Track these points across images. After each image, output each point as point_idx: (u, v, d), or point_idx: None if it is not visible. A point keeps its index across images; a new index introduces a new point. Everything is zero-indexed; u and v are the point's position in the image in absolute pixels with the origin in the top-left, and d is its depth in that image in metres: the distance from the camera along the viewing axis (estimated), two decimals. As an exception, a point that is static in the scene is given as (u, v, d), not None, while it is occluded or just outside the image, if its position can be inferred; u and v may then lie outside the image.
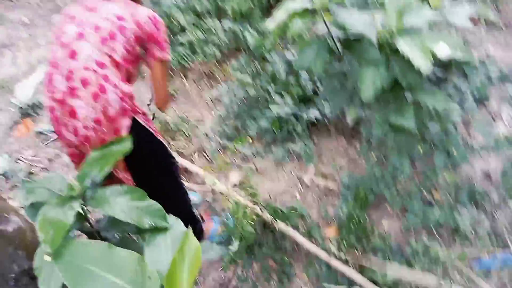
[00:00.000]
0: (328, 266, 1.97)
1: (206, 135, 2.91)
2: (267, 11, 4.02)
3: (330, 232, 2.18)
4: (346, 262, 1.96)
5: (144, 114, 1.65)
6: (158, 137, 1.71)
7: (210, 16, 3.90)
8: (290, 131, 2.75)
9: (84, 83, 1.44)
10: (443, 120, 2.16)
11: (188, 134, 2.99)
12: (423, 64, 1.78)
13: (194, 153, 2.85)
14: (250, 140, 2.77)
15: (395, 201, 2.11)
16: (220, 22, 3.70)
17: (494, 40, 3.31)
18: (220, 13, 4.02)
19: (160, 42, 1.60)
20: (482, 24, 3.39)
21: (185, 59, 3.51)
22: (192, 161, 2.78)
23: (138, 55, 1.61)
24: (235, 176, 2.60)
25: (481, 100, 2.62)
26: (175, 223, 1.13)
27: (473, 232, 1.99)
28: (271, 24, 2.23)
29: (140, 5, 1.61)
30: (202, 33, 3.62)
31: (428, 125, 2.24)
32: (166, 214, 1.15)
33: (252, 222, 2.11)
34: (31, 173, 2.87)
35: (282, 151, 2.67)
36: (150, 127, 1.66)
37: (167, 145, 1.78)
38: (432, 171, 2.17)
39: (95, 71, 1.44)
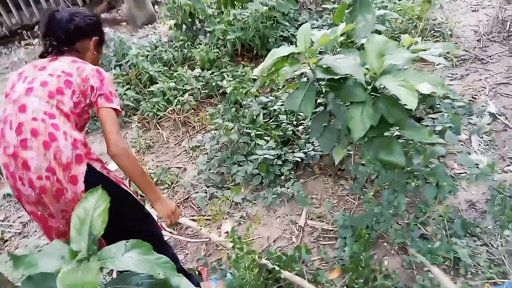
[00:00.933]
0: (340, 310, 1.94)
1: (191, 184, 2.85)
2: (234, 57, 4.12)
3: (334, 275, 2.17)
4: (357, 305, 1.94)
5: (100, 161, 1.61)
6: (120, 185, 1.66)
7: (178, 65, 3.92)
8: (277, 174, 2.76)
9: (34, 133, 1.47)
10: (429, 154, 2.26)
11: (171, 184, 2.91)
12: (410, 101, 1.89)
13: (180, 204, 2.77)
14: (242, 189, 2.75)
15: (395, 238, 2.15)
16: (191, 70, 3.73)
17: (451, 75, 3.57)
18: (187, 62, 4.06)
19: (104, 94, 1.61)
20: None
21: (159, 109, 3.48)
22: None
23: (86, 109, 1.65)
24: (228, 225, 2.54)
25: (454, 132, 2.79)
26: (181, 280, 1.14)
27: (472, 263, 2.06)
28: (257, 71, 2.28)
29: (87, 63, 1.67)
30: (174, 82, 3.62)
31: (414, 159, 2.34)
32: (175, 265, 1.12)
33: (254, 273, 2.05)
34: (3, 240, 2.65)
35: (272, 195, 2.66)
36: (108, 174, 1.62)
37: (131, 193, 1.70)
38: (424, 205, 2.25)
39: (43, 120, 1.49)
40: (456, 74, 3.56)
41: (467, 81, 3.45)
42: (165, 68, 3.92)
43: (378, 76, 1.98)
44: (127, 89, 3.70)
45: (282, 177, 2.78)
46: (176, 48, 4.18)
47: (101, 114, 1.60)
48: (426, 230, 2.29)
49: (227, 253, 2.36)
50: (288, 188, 2.69)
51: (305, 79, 2.27)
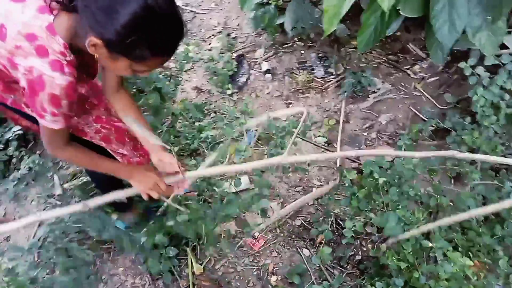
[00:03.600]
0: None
1: None
2: None
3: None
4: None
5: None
6: None
7: None
8: (3, 160, 2.36)
9: None
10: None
11: None
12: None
13: None
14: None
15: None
16: None
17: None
18: None
19: (33, 107, 1.12)
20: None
21: None
22: None
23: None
24: None
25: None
26: None
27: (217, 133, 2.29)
28: None
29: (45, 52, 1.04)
30: None
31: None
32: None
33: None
34: None
35: (12, 183, 2.30)
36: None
37: None
38: (160, 109, 2.31)
39: None
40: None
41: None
42: None
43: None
44: None
45: (14, 160, 2.40)
46: None
47: None
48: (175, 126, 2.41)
49: None
50: (28, 165, 2.35)
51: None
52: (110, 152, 1.61)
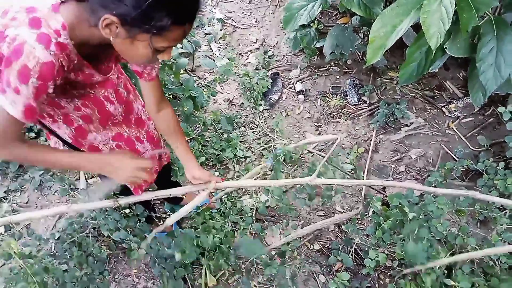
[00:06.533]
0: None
1: None
2: None
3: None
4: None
5: None
6: None
7: None
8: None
9: None
10: (176, 68, 2.31)
11: None
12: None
13: None
14: None
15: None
16: None
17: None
18: None
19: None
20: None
21: None
22: None
23: None
24: None
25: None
26: None
27: (245, 147, 2.29)
28: None
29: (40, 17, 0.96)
30: None
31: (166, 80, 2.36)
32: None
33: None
34: None
35: (39, 173, 2.34)
36: None
37: None
38: (191, 116, 2.33)
39: None
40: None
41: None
42: None
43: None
44: None
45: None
46: None
47: None
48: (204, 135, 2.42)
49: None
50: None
51: None
52: None
